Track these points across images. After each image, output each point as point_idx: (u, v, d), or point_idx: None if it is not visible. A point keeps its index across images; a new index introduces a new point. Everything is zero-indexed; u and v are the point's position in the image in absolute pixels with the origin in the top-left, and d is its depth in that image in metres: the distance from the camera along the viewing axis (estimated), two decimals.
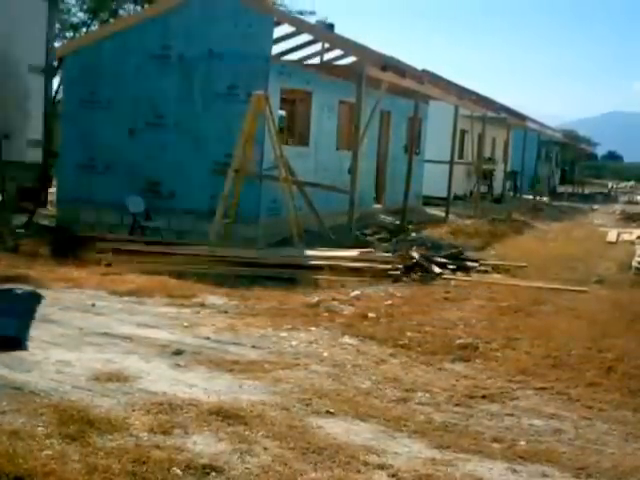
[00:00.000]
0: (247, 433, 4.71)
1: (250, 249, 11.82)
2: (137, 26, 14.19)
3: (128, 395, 5.27)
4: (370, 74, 13.82)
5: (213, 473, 4.13)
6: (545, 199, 33.84)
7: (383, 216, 18.94)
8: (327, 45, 16.63)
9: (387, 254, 12.24)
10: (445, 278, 11.08)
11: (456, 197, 23.73)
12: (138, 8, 19.00)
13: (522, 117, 29.94)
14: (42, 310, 7.68)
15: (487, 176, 30.29)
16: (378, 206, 19.53)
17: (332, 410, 5.28)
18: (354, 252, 12.15)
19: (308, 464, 4.34)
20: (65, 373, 5.69)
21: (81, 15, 20.61)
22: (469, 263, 12.19)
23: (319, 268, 10.68)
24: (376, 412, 5.31)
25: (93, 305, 8.05)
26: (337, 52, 16.65)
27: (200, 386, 5.58)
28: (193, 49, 13.68)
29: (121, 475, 3.99)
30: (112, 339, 6.78)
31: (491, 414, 5.50)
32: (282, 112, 14.93)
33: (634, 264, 13.02)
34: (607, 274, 12.44)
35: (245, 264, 10.86)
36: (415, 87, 17.05)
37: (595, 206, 32.32)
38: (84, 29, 20.13)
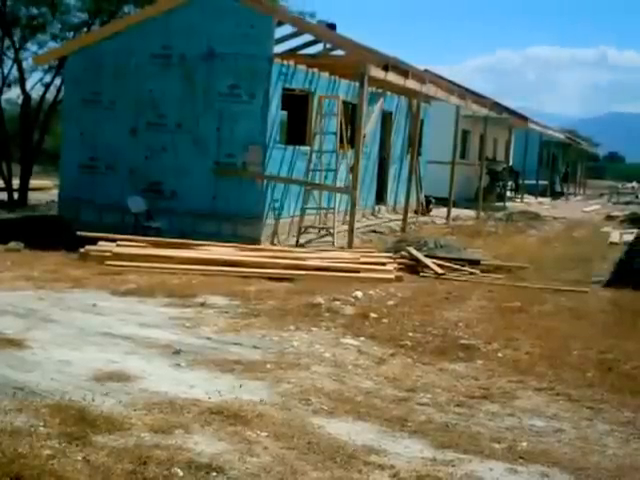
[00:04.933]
0: (248, 433, 4.71)
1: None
2: (138, 26, 14.19)
3: (129, 395, 5.27)
4: (372, 74, 13.81)
5: (214, 473, 4.13)
6: (548, 199, 33.79)
7: (385, 216, 18.95)
8: (329, 45, 16.66)
9: (389, 254, 12.25)
10: (446, 278, 11.09)
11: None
12: (138, 9, 18.96)
13: (524, 118, 29.93)
14: (44, 310, 7.69)
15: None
16: (380, 206, 19.53)
17: (333, 410, 5.29)
18: (356, 253, 12.16)
19: (309, 464, 4.35)
20: (66, 373, 5.70)
21: (82, 15, 20.58)
22: (470, 263, 12.18)
23: (321, 269, 10.68)
24: (377, 412, 5.31)
25: (94, 305, 8.06)
26: (339, 52, 16.66)
27: (201, 386, 5.59)
28: (194, 49, 13.67)
29: (122, 475, 3.99)
30: (113, 339, 6.79)
31: (492, 414, 5.50)
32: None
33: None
34: (608, 274, 12.43)
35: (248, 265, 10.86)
36: (417, 87, 17.04)
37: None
38: (85, 29, 20.11)
